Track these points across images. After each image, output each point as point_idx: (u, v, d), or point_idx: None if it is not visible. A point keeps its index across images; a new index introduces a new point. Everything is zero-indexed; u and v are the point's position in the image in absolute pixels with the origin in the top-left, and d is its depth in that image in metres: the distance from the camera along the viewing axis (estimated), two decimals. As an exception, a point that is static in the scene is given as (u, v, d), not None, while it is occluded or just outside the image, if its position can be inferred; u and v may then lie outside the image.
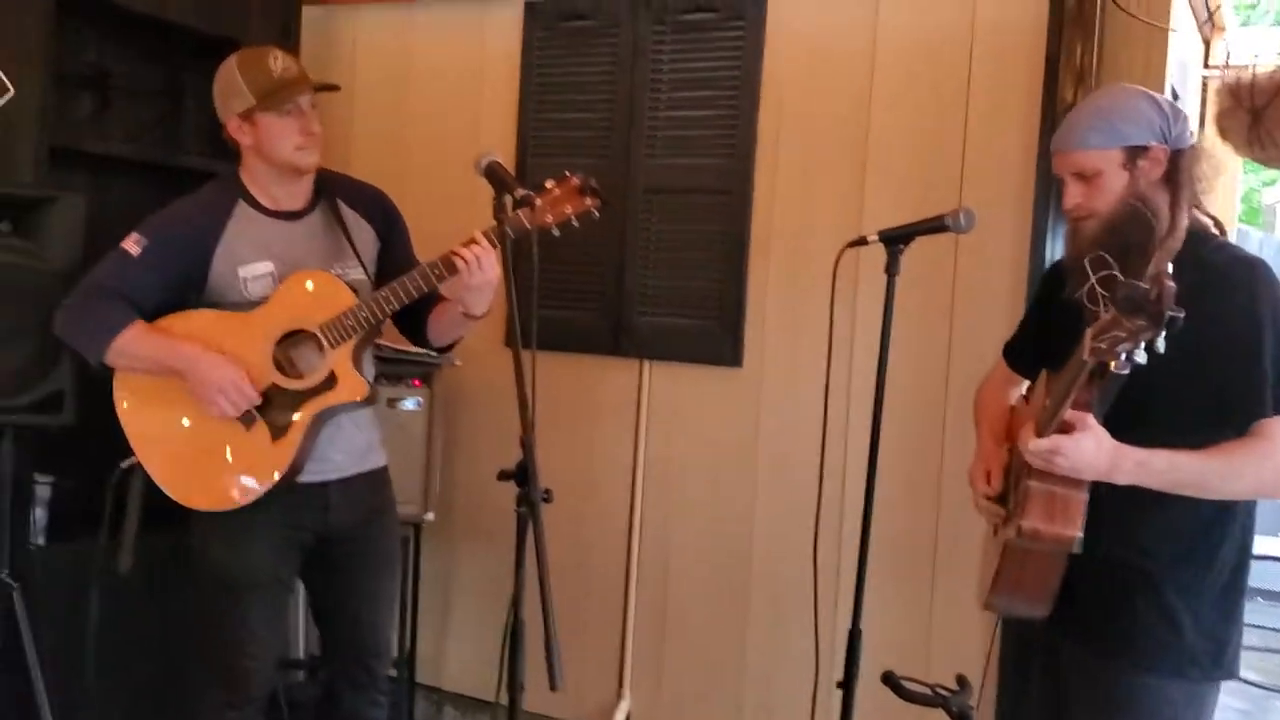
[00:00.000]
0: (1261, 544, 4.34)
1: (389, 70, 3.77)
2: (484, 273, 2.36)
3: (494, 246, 2.36)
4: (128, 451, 2.67)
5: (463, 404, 3.62)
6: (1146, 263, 1.92)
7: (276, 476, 2.44)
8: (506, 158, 3.51)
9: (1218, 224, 2.08)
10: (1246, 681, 3.67)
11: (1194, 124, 4.23)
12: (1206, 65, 4.40)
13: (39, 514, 3.16)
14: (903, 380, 2.84)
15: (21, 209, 2.74)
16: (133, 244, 2.44)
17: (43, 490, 3.19)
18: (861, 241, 2.40)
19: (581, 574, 3.48)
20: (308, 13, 3.78)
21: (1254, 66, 2.81)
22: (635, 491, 3.44)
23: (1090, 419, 1.84)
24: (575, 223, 2.40)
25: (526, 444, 2.07)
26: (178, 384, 2.43)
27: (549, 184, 2.38)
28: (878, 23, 3.12)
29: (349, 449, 2.59)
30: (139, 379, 2.48)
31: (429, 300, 2.54)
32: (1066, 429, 1.84)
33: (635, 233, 3.37)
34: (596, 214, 2.40)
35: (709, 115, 3.31)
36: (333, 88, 2.56)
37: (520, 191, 2.22)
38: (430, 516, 3.40)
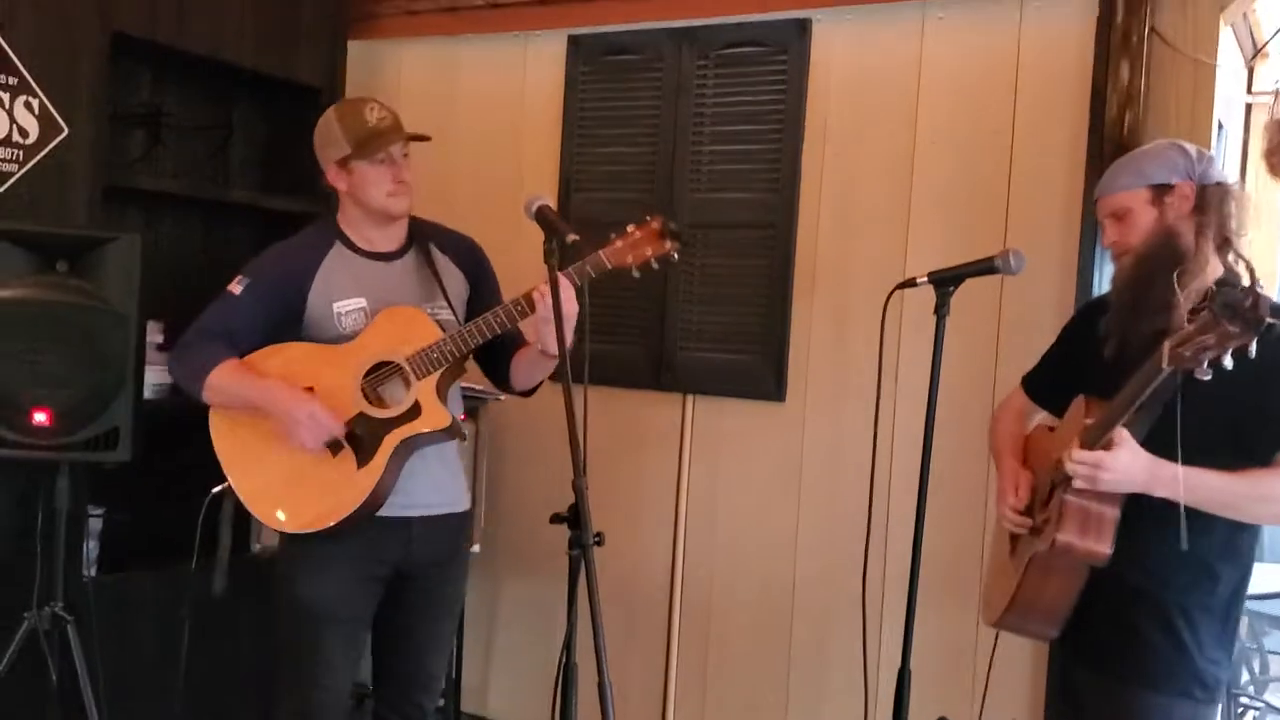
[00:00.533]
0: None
1: (433, 104, 3.81)
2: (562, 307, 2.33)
3: (574, 284, 2.40)
4: (184, 484, 2.81)
5: (508, 437, 3.64)
6: (1173, 288, 2.03)
7: (360, 501, 2.50)
8: (549, 191, 3.58)
9: (1250, 268, 2.14)
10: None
11: (1239, 151, 4.22)
12: (1250, 91, 4.36)
13: (91, 545, 3.21)
14: (948, 417, 2.83)
15: (78, 248, 2.80)
16: (235, 285, 2.58)
17: (95, 523, 3.25)
18: (911, 283, 2.42)
19: (625, 607, 3.49)
20: (353, 48, 3.84)
21: (1302, 101, 2.82)
22: (678, 524, 3.45)
23: (1128, 435, 1.97)
24: (655, 265, 2.46)
25: (578, 488, 2.09)
26: (264, 414, 2.52)
27: (631, 227, 2.44)
28: (922, 56, 3.13)
29: (434, 486, 2.65)
30: (234, 408, 2.57)
31: (513, 343, 2.63)
32: (1108, 446, 1.96)
33: (678, 267, 3.37)
34: (675, 257, 2.47)
35: (753, 149, 3.33)
36: (424, 138, 2.64)
37: (571, 236, 2.23)
38: (476, 549, 3.42)
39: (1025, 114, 3.02)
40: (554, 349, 2.37)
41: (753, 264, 3.32)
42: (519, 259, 3.59)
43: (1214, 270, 2.11)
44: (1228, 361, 1.75)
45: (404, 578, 2.65)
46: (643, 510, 3.47)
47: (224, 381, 2.51)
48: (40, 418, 2.73)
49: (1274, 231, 4.42)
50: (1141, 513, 2.03)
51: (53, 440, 2.75)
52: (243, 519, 3.07)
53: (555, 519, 2.14)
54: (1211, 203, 2.12)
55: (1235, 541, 2.12)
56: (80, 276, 2.79)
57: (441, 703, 3.57)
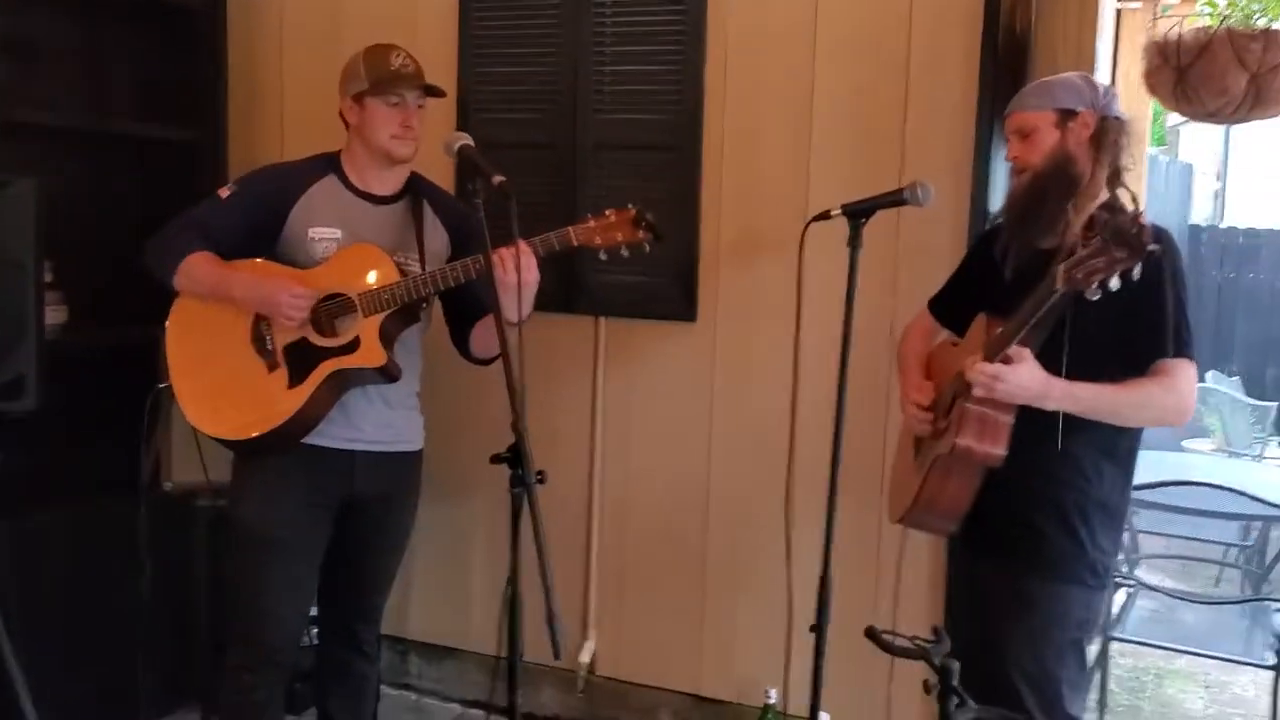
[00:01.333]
0: (1170, 460, 4.64)
1: (320, 25, 3.69)
2: (519, 274, 2.34)
3: (536, 254, 2.51)
4: (86, 425, 2.97)
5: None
6: (1065, 211, 2.25)
7: (283, 419, 2.57)
8: (446, 114, 3.52)
9: (1134, 198, 2.36)
10: (1154, 588, 3.97)
11: (1109, 59, 4.39)
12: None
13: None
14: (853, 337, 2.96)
15: (-34, 194, 2.67)
16: (225, 190, 2.70)
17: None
18: (825, 215, 2.50)
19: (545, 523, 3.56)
20: (234, -34, 3.68)
21: (1180, 26, 2.95)
22: (594, 445, 3.53)
23: (1027, 352, 2.15)
24: (625, 252, 2.55)
25: (519, 430, 2.14)
26: (221, 324, 2.62)
27: (608, 211, 2.54)
28: (820, -25, 3.16)
29: (380, 424, 2.73)
30: (192, 310, 2.67)
31: (479, 311, 2.71)
32: (1006, 360, 2.14)
33: (586, 188, 3.39)
34: (648, 249, 2.56)
35: (655, 70, 3.33)
36: (439, 92, 2.72)
37: (498, 178, 2.24)
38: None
39: (920, 38, 3.08)
40: (510, 314, 2.26)
41: (659, 185, 3.34)
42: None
43: (1103, 197, 2.28)
44: (1114, 283, 1.93)
45: (350, 509, 2.74)
46: (558, 432, 3.53)
47: (198, 268, 2.59)
48: (-60, 369, 2.64)
49: (1140, 136, 4.63)
50: (1033, 419, 2.22)
51: (-45, 391, 2.66)
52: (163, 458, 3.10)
53: (495, 459, 2.19)
54: (1109, 134, 2.29)
55: (1115, 443, 2.34)
56: (-30, 224, 2.67)
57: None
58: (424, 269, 2.65)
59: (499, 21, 3.50)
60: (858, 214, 2.46)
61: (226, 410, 2.62)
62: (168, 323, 2.70)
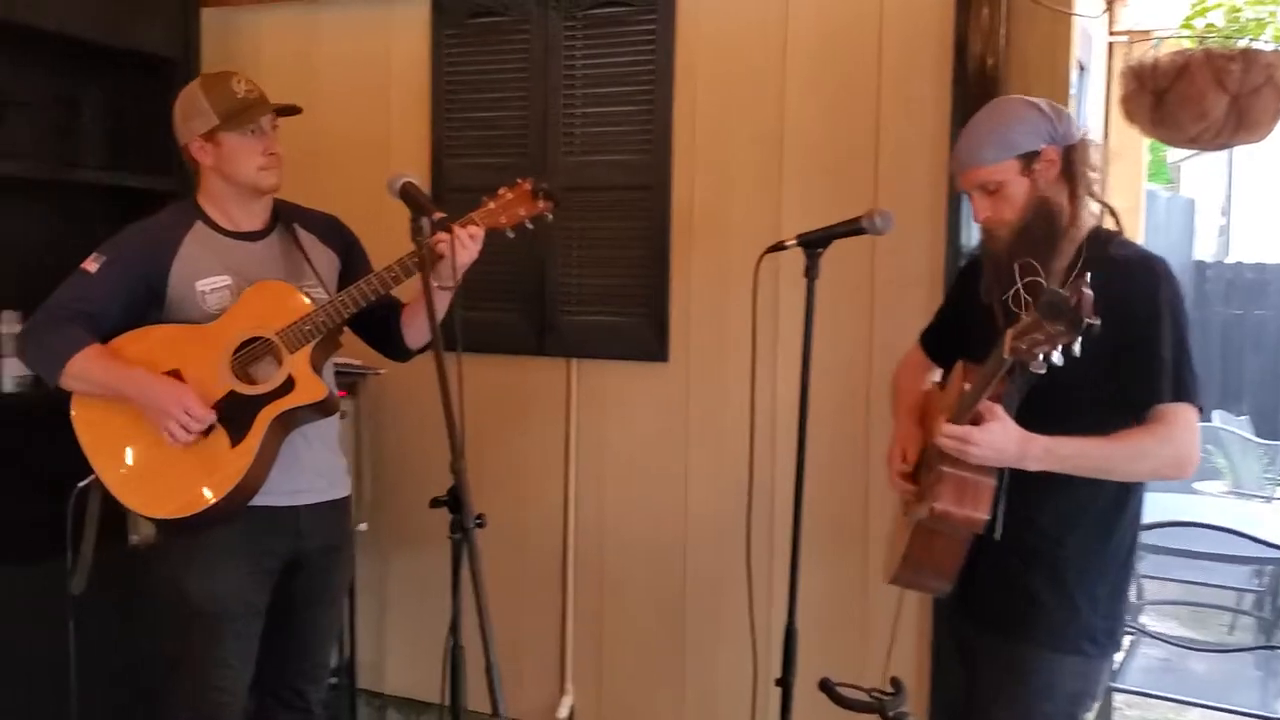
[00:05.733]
0: (1178, 503, 4.48)
1: (294, 74, 3.68)
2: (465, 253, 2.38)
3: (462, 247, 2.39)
4: (49, 478, 2.66)
5: (389, 412, 3.59)
6: (1054, 255, 2.08)
7: (235, 482, 2.42)
8: (420, 160, 3.50)
9: (1113, 212, 2.21)
10: (1157, 636, 3.82)
11: (1101, 92, 4.31)
12: (1111, 31, 4.46)
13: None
14: (828, 375, 2.88)
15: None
16: (91, 263, 2.46)
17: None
18: (780, 246, 2.42)
19: (519, 572, 3.48)
20: (207, 16, 3.68)
21: (1155, 50, 2.87)
22: (568, 489, 3.44)
23: (999, 410, 1.98)
24: (529, 225, 2.46)
25: (456, 470, 2.06)
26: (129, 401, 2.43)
27: (502, 190, 2.44)
28: (788, 13, 3.12)
29: (319, 471, 2.60)
30: (95, 396, 2.46)
31: (394, 307, 2.61)
32: (977, 420, 1.97)
33: (556, 231, 3.32)
34: (550, 217, 2.47)
35: (625, 111, 3.29)
36: (294, 110, 2.58)
37: (437, 214, 2.20)
38: (363, 526, 3.37)
39: (890, 68, 3.03)
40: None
41: (630, 225, 3.30)
42: (390, 231, 3.51)
43: (1085, 224, 2.12)
44: (1056, 358, 1.77)
45: (295, 566, 2.59)
46: (530, 478, 3.45)
47: (86, 370, 2.40)
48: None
49: (1136, 170, 4.55)
50: (1035, 476, 2.03)
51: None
52: (115, 511, 2.98)
53: (435, 503, 2.12)
54: (1077, 163, 2.12)
55: (1124, 498, 2.14)
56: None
57: (335, 681, 3.54)
58: (326, 292, 2.55)
59: (470, 66, 3.47)
60: (814, 244, 2.38)
61: (169, 488, 2.43)
62: (72, 412, 2.47)
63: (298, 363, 2.44)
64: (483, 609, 1.97)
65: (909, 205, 2.93)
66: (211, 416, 2.40)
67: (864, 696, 1.93)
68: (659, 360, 3.29)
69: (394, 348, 2.70)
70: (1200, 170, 11.42)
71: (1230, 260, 9.65)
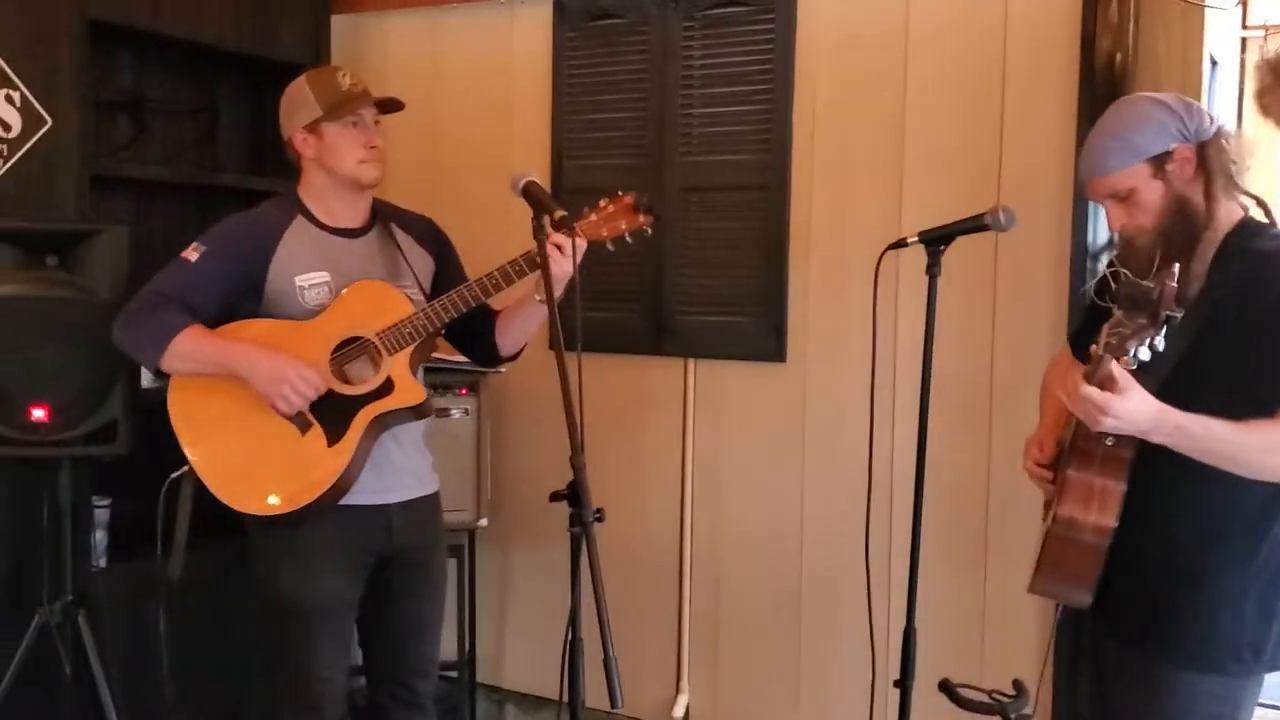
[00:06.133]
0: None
1: (420, 76, 3.77)
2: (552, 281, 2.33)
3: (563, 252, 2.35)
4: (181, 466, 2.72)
5: (510, 409, 3.64)
6: (1193, 257, 1.95)
7: (332, 481, 2.44)
8: (541, 160, 3.55)
9: (1260, 203, 2.08)
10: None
11: (1235, 86, 4.17)
12: (1244, 25, 4.31)
13: (98, 536, 3.22)
14: (949, 375, 2.82)
15: (66, 242, 2.78)
16: (191, 252, 2.48)
17: (101, 513, 3.25)
18: (902, 243, 2.38)
19: (636, 571, 3.50)
20: (336, 22, 3.80)
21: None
22: (685, 488, 3.45)
23: (1131, 379, 1.84)
24: (629, 239, 2.47)
25: (576, 465, 2.08)
26: (233, 390, 2.43)
27: (603, 202, 2.46)
28: (910, 10, 3.08)
29: (409, 469, 2.63)
30: (194, 387, 2.48)
31: (488, 314, 2.62)
32: (1110, 387, 1.84)
33: (674, 231, 3.36)
34: (649, 231, 2.48)
35: (743, 110, 3.29)
36: (398, 105, 2.60)
37: (559, 212, 2.21)
38: (484, 522, 3.43)
39: (1015, 64, 2.97)
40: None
41: (748, 225, 3.29)
42: (512, 230, 3.58)
43: (1230, 216, 2.01)
44: (1144, 353, 1.71)
45: (389, 562, 2.63)
46: (648, 476, 3.47)
47: (193, 347, 2.41)
48: (38, 414, 2.73)
49: (1270, 167, 4.37)
50: (1174, 482, 1.95)
51: (52, 436, 2.75)
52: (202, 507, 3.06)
53: (555, 497, 2.14)
54: (1213, 157, 1.98)
55: (1272, 507, 1.99)
56: (70, 270, 2.77)
57: (455, 675, 3.61)
58: (422, 294, 2.58)
59: (590, 65, 3.51)
60: (936, 240, 2.34)
61: (266, 486, 2.45)
62: (170, 403, 2.49)
63: (397, 365, 2.46)
64: (600, 602, 1.99)
65: (1034, 204, 2.86)
66: (323, 385, 2.42)
67: (984, 698, 1.89)
68: (776, 360, 3.28)
69: (485, 353, 2.71)
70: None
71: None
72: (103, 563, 3.21)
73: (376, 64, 3.84)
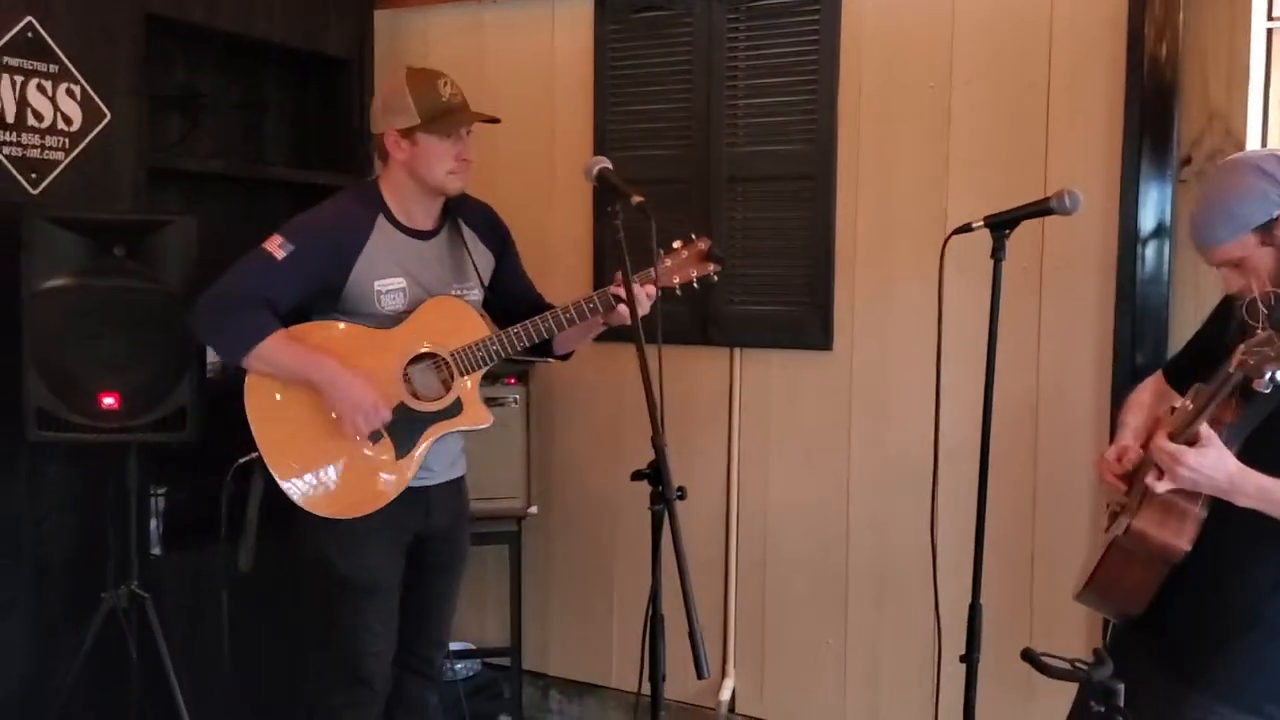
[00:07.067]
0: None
1: (462, 70, 3.69)
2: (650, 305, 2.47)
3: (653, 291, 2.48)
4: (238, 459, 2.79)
5: (557, 399, 3.69)
6: None
7: (397, 494, 2.56)
8: (584, 152, 3.59)
9: None
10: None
11: (1261, 78, 4.23)
12: (1270, 16, 4.36)
13: (155, 524, 3.27)
14: (996, 362, 2.87)
15: (134, 232, 2.82)
16: (276, 248, 2.49)
17: (158, 501, 3.30)
18: (967, 228, 2.42)
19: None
20: (380, 17, 3.84)
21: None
22: (731, 475, 3.50)
23: (1215, 436, 1.87)
24: (696, 286, 2.60)
25: (658, 445, 2.12)
26: (309, 391, 2.52)
27: (677, 245, 2.55)
28: (955, 1, 3.13)
29: (447, 455, 2.73)
30: (270, 383, 2.55)
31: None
32: (1194, 441, 1.87)
33: (720, 221, 3.40)
34: (714, 279, 2.62)
35: (788, 101, 3.33)
36: (495, 120, 2.63)
37: (636, 198, 2.25)
38: (534, 510, 3.48)
39: (1061, 55, 3.02)
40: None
41: (794, 215, 3.34)
42: (553, 221, 3.63)
43: None
44: None
45: (422, 539, 2.73)
46: (695, 465, 3.51)
47: (275, 353, 2.47)
48: (109, 401, 2.77)
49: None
50: (1258, 518, 1.92)
51: (121, 423, 2.79)
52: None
53: (636, 476, 2.18)
54: None
55: None
56: (137, 260, 2.81)
57: (506, 662, 3.66)
58: (482, 291, 2.69)
59: (633, 58, 3.56)
60: (1001, 225, 2.39)
61: (338, 489, 2.55)
62: (247, 397, 2.54)
63: (468, 387, 2.56)
64: (685, 576, 2.03)
65: (1081, 192, 2.90)
66: (389, 417, 2.52)
67: (1068, 666, 1.93)
68: (823, 349, 3.33)
69: (540, 351, 2.77)
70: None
71: None
72: (158, 550, 3.25)
73: (418, 58, 3.86)
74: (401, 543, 2.68)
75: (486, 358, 2.55)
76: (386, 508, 2.58)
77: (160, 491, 3.30)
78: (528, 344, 2.56)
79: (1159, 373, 2.39)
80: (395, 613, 2.73)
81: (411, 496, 2.62)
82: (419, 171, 2.56)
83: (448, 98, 2.54)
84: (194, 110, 3.48)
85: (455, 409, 2.57)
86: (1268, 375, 1.70)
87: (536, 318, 2.56)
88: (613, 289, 2.53)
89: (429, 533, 2.72)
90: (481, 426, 2.60)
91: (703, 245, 2.55)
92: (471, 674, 3.76)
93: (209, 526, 3.31)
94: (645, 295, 2.45)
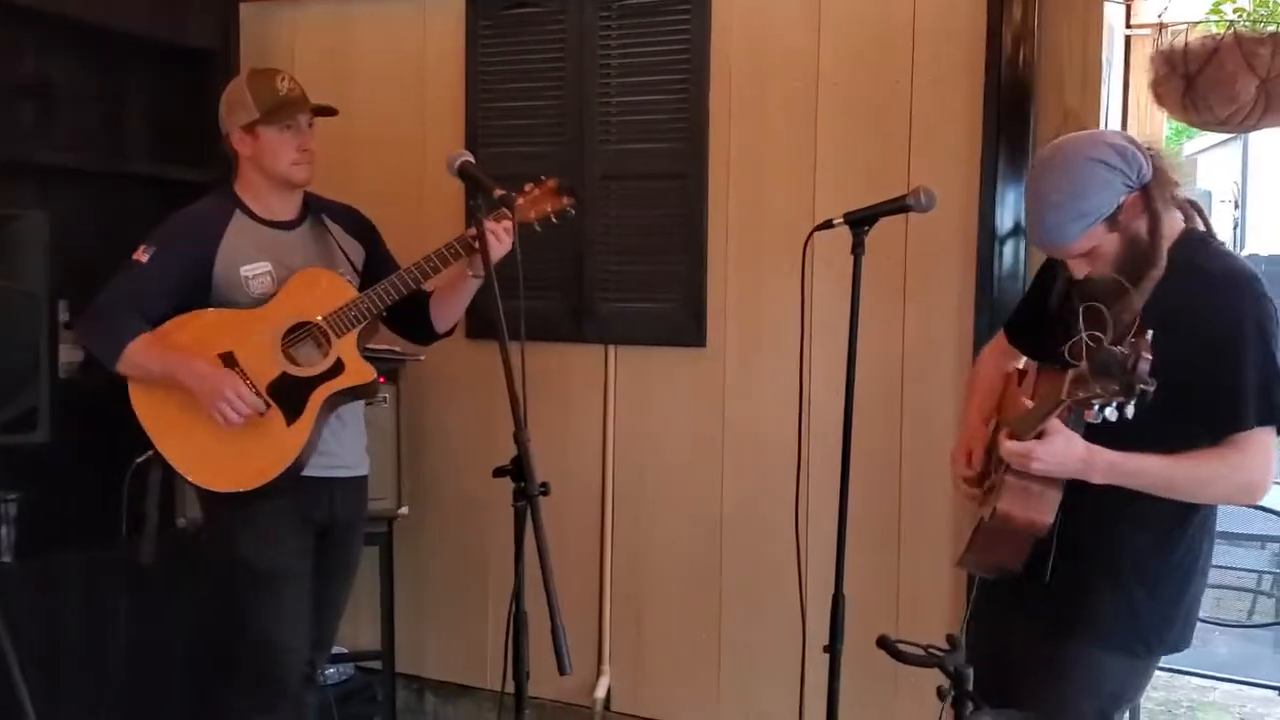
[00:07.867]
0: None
1: (330, 65, 3.74)
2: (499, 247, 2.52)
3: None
4: (98, 463, 2.85)
5: (428, 399, 3.65)
6: (1132, 292, 2.00)
7: (293, 458, 2.58)
8: (454, 147, 3.51)
9: (1200, 211, 2.14)
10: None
11: (1120, 84, 4.38)
12: (1129, 25, 4.52)
13: (5, 531, 3.14)
14: (862, 354, 2.91)
15: (-20, 229, 2.70)
16: (142, 254, 2.61)
17: (8, 507, 3.17)
18: (828, 224, 2.45)
19: (557, 555, 3.45)
20: (245, 10, 3.75)
21: (1186, 33, 2.92)
22: (606, 472, 3.50)
23: (1059, 423, 1.93)
24: (554, 219, 2.65)
25: (520, 440, 2.11)
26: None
27: (528, 186, 2.62)
28: (823, 1, 3.18)
29: (351, 448, 2.78)
30: (152, 382, 2.61)
31: (423, 296, 2.74)
32: (1039, 435, 1.95)
33: (593, 219, 3.40)
34: (572, 212, 2.68)
35: (660, 100, 3.35)
36: (331, 111, 2.73)
37: (498, 191, 2.28)
38: (405, 510, 3.43)
39: (923, 56, 3.09)
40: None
41: (666, 212, 3.37)
42: (424, 219, 3.59)
43: (1173, 228, 2.06)
44: (1111, 414, 1.76)
45: (323, 535, 2.75)
46: (571, 458, 3.51)
47: (141, 358, 2.56)
48: (-47, 402, 2.64)
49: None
50: (1112, 486, 2.00)
51: (-33, 424, 2.67)
52: (166, 492, 3.04)
53: (499, 472, 2.16)
54: (1156, 197, 2.03)
55: (1189, 511, 2.09)
56: (-16, 256, 2.70)
57: (378, 666, 3.60)
58: (357, 279, 2.73)
59: (505, 55, 3.54)
60: (860, 221, 2.43)
61: (228, 462, 2.59)
62: (131, 389, 2.62)
63: (345, 347, 2.60)
64: (548, 573, 2.03)
65: (941, 190, 2.90)
66: (259, 405, 2.55)
67: (921, 652, 1.98)
68: (697, 345, 3.35)
69: (420, 331, 2.84)
70: (1214, 162, 11.50)
71: (1246, 253, 9.70)
72: (9, 558, 3.13)
73: (284, 52, 3.80)
74: (308, 532, 2.71)
75: (359, 315, 2.59)
76: (291, 494, 2.62)
77: (11, 497, 3.17)
78: (397, 297, 2.60)
79: (1001, 332, 2.49)
80: (305, 606, 2.71)
81: (316, 485, 2.67)
82: (265, 164, 2.65)
83: (285, 92, 2.64)
84: (47, 101, 3.34)
85: (338, 368, 2.60)
86: (1096, 409, 1.78)
87: (402, 270, 2.62)
88: (470, 233, 2.56)
89: (331, 525, 2.75)
90: (367, 381, 2.63)
91: (552, 183, 2.65)
92: (344, 679, 3.68)
93: (69, 531, 3.21)
94: (504, 230, 2.52)
